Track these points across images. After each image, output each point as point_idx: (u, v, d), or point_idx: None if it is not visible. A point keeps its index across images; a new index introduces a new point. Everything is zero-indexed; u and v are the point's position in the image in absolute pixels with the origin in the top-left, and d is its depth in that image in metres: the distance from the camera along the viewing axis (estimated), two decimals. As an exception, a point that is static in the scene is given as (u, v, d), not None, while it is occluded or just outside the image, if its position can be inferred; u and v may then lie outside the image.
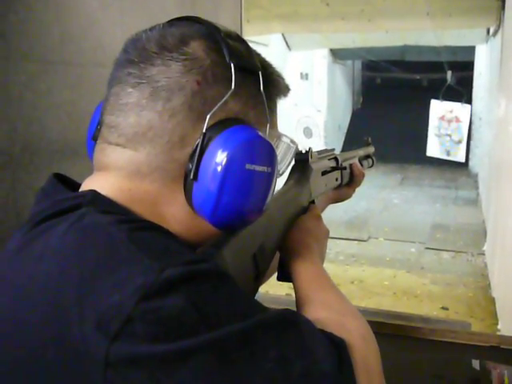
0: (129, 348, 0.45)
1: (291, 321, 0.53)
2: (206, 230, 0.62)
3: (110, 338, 0.45)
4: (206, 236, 0.63)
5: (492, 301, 4.72)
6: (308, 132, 9.66)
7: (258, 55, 0.66)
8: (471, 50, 10.43)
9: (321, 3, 6.74)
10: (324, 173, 0.97)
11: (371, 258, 6.17)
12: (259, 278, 0.71)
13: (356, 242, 6.80)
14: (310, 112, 10.00)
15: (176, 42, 0.59)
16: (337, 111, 12.48)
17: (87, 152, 0.70)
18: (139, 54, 0.59)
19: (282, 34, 9.16)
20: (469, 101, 9.29)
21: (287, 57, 9.71)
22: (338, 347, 0.53)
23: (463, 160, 8.62)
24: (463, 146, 8.50)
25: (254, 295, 0.71)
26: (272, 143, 0.63)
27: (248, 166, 0.58)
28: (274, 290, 2.52)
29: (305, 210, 0.86)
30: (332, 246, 6.23)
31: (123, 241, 0.50)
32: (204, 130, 0.58)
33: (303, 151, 0.89)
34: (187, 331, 0.46)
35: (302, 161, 0.89)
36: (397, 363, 1.25)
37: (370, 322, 1.33)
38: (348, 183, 1.11)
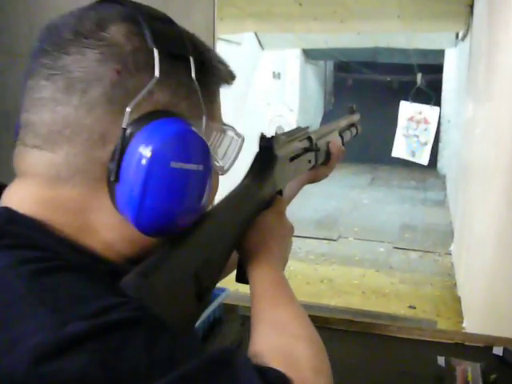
0: None
1: (223, 364, 0.47)
2: (141, 239, 0.56)
3: None
4: (142, 245, 0.57)
5: (458, 300, 4.80)
6: (280, 131, 9.69)
7: (192, 39, 0.59)
8: (441, 53, 10.60)
9: (294, 3, 6.75)
10: (293, 158, 0.87)
11: (341, 258, 6.22)
12: (204, 295, 0.61)
13: (326, 241, 6.85)
14: (283, 111, 10.02)
15: (93, 27, 0.52)
16: (309, 111, 12.54)
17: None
18: (53, 41, 0.53)
19: (255, 33, 9.16)
20: (438, 103, 9.43)
21: (260, 56, 9.71)
22: None
23: (426, 163, 8.72)
24: (428, 148, 8.62)
25: (199, 315, 0.63)
26: (203, 137, 0.56)
27: (173, 164, 0.52)
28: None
29: (267, 205, 0.77)
30: (302, 245, 6.27)
31: (21, 291, 0.44)
32: (124, 126, 0.51)
33: (268, 136, 0.80)
34: None
35: (266, 148, 0.79)
36: (364, 360, 1.27)
37: (339, 320, 1.34)
38: (325, 162, 1.02)
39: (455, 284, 5.30)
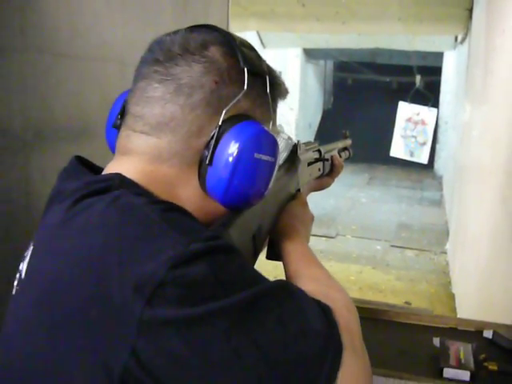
0: (160, 310, 0.53)
1: (287, 288, 0.61)
2: (214, 211, 0.71)
3: (145, 300, 0.52)
4: (213, 216, 0.71)
5: (452, 297, 4.93)
6: (280, 129, 9.79)
7: (265, 62, 0.75)
8: (440, 55, 10.71)
9: (297, 3, 6.87)
10: (309, 164, 1.05)
11: (338, 255, 6.34)
12: (256, 255, 0.80)
13: (324, 238, 6.97)
14: (282, 110, 10.11)
15: (198, 46, 0.68)
16: (308, 110, 12.65)
17: (106, 138, 0.78)
18: (164, 54, 0.67)
19: (257, 32, 9.26)
20: (436, 105, 9.56)
21: (261, 54, 9.80)
22: (326, 311, 0.61)
23: (426, 162, 8.85)
24: (427, 148, 8.73)
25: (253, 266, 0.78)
26: (275, 136, 0.72)
27: (256, 155, 0.68)
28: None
29: (293, 197, 0.95)
30: (301, 242, 6.36)
31: (156, 219, 0.58)
32: (220, 123, 0.66)
33: (292, 143, 0.97)
34: (208, 295, 0.54)
35: (292, 152, 0.97)
36: (366, 342, 1.38)
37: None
38: (328, 173, 1.20)
39: (450, 281, 5.43)
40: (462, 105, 6.25)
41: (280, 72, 10.88)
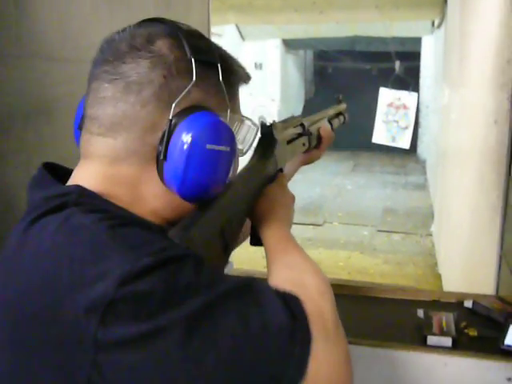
0: (114, 329, 0.53)
1: (248, 286, 0.61)
2: (181, 206, 0.71)
3: (98, 321, 0.53)
4: (180, 210, 0.71)
5: (439, 277, 5.04)
6: (263, 120, 9.84)
7: (218, 48, 0.73)
8: (418, 40, 10.78)
9: (274, -5, 6.93)
10: (289, 141, 1.01)
11: (326, 242, 6.44)
12: (228, 248, 0.77)
13: (312, 226, 7.06)
14: (265, 101, 10.17)
15: (143, 42, 0.67)
16: (290, 100, 12.70)
17: (75, 140, 0.79)
18: (113, 53, 0.67)
19: (236, 25, 9.29)
20: (416, 89, 9.64)
21: (241, 47, 9.84)
22: (290, 304, 0.61)
23: (408, 147, 8.90)
24: (409, 132, 8.80)
25: (226, 263, 0.78)
26: (230, 126, 0.71)
27: (209, 146, 0.67)
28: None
29: (272, 179, 0.92)
30: (289, 231, 6.43)
31: (103, 239, 0.59)
32: (170, 117, 0.66)
33: (268, 124, 0.94)
34: (162, 307, 0.54)
35: (266, 134, 0.93)
36: (355, 317, 1.46)
37: (331, 285, 1.54)
38: (317, 145, 1.16)
39: (436, 263, 5.55)
40: (441, 89, 6.35)
41: (260, 64, 10.93)
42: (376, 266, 5.64)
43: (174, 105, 0.66)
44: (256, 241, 0.86)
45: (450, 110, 5.06)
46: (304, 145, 1.09)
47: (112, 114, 0.67)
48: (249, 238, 0.91)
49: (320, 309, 0.63)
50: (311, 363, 0.58)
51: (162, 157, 0.67)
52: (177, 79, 0.67)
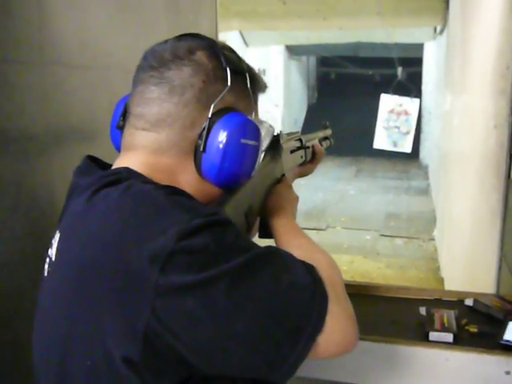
0: (172, 276, 0.63)
1: (277, 252, 0.73)
2: (210, 193, 0.82)
3: (159, 269, 0.63)
4: (210, 197, 0.82)
5: (441, 281, 5.08)
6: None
7: (245, 61, 0.86)
8: (420, 47, 10.82)
9: (278, 2, 6.97)
10: (292, 151, 1.16)
11: (330, 246, 6.45)
12: (249, 231, 0.91)
13: (315, 231, 7.08)
14: (268, 107, 10.23)
15: (185, 52, 0.78)
16: (293, 106, 12.75)
17: (111, 138, 0.88)
18: (158, 61, 0.78)
19: (240, 32, 9.36)
20: (418, 95, 9.68)
21: (245, 53, 9.88)
22: (310, 269, 0.72)
23: (409, 151, 8.94)
24: (410, 137, 8.84)
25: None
26: (257, 124, 0.83)
27: (242, 141, 0.79)
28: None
29: (278, 181, 1.06)
30: (292, 236, 6.47)
31: (163, 201, 0.69)
32: (209, 116, 0.78)
33: (275, 133, 1.06)
34: (211, 261, 0.65)
35: (275, 141, 1.07)
36: (359, 315, 1.51)
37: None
38: (311, 160, 1.30)
39: (438, 267, 5.58)
40: (443, 94, 6.38)
41: (264, 70, 10.99)
42: (379, 270, 5.68)
43: (212, 106, 0.77)
44: (265, 233, 0.97)
45: (451, 115, 5.10)
46: (302, 157, 1.22)
47: (157, 112, 0.77)
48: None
49: (331, 277, 0.74)
50: (328, 318, 0.69)
51: (201, 149, 0.77)
52: (214, 84, 0.78)
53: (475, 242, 2.95)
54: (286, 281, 0.68)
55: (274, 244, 0.92)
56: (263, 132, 0.91)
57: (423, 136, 11.29)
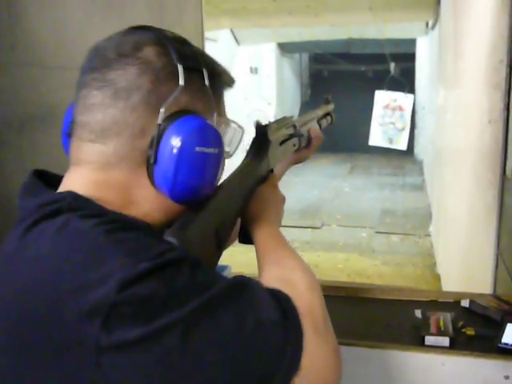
0: (117, 332, 0.55)
1: (242, 285, 0.63)
2: (173, 209, 0.72)
3: (100, 325, 0.55)
4: (173, 212, 0.73)
5: (437, 277, 5.06)
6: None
7: (202, 55, 0.75)
8: (412, 42, 10.85)
9: (268, -1, 6.94)
10: (283, 142, 1.03)
11: (325, 244, 6.46)
12: (221, 246, 0.80)
13: (310, 229, 7.08)
14: (260, 105, 10.20)
15: (131, 49, 0.68)
16: (286, 103, 12.74)
17: (63, 148, 0.78)
18: (101, 60, 0.68)
19: (231, 30, 9.32)
20: (411, 91, 9.68)
21: (236, 51, 9.86)
22: (282, 301, 0.64)
23: (405, 148, 8.95)
24: (406, 133, 8.84)
25: (218, 260, 0.81)
26: (217, 129, 0.73)
27: (197, 149, 0.69)
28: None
29: (263, 180, 0.94)
30: (286, 234, 6.27)
31: (102, 244, 0.60)
32: (159, 122, 0.67)
33: (263, 124, 0.96)
34: (162, 308, 0.56)
35: (261, 134, 0.95)
36: (352, 318, 1.47)
37: (328, 287, 1.54)
38: (306, 145, 1.17)
39: (435, 263, 5.57)
40: (436, 89, 6.37)
41: (256, 68, 10.96)
42: (375, 267, 5.65)
43: (162, 109, 0.68)
44: (245, 239, 0.87)
45: (445, 110, 5.08)
46: (294, 145, 1.11)
47: (102, 120, 0.68)
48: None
49: (310, 305, 0.66)
50: (304, 357, 0.61)
51: (152, 161, 0.68)
52: (164, 85, 0.69)
53: (471, 239, 2.93)
54: (252, 320, 0.60)
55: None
56: (229, 134, 0.83)
57: (417, 131, 11.30)
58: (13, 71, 1.12)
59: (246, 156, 0.94)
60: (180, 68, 0.69)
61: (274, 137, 0.99)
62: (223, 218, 0.80)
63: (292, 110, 13.51)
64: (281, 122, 1.05)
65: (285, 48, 12.05)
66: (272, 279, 0.70)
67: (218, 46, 8.71)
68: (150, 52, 0.69)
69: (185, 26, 1.95)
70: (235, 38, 9.66)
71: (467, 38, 3.57)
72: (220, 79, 0.77)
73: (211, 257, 0.77)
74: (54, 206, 0.65)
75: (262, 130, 0.95)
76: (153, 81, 0.68)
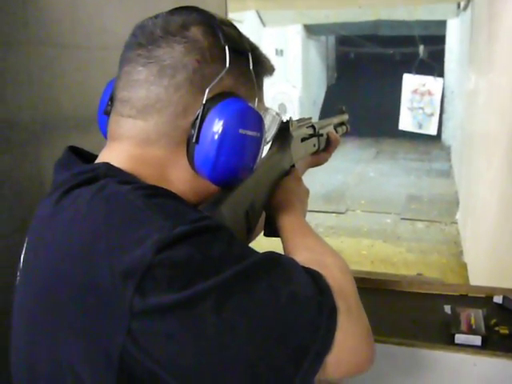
0: (151, 295, 0.54)
1: (276, 259, 0.62)
2: (206, 189, 0.72)
3: (135, 286, 0.54)
4: (205, 194, 0.73)
5: (464, 266, 4.95)
6: (282, 108, 9.75)
7: (247, 39, 0.74)
8: (443, 24, 10.57)
9: (295, -21, 6.80)
10: (303, 139, 1.05)
11: (349, 230, 6.38)
12: (250, 232, 0.80)
13: (334, 214, 7.00)
14: (285, 88, 10.08)
15: (178, 28, 0.68)
16: (312, 87, 12.57)
17: (99, 126, 0.78)
18: (147, 37, 0.68)
19: (257, 11, 9.19)
20: (441, 74, 9.46)
21: (262, 33, 9.74)
22: (316, 278, 0.63)
23: (435, 133, 8.78)
24: (435, 119, 8.67)
25: (247, 243, 0.81)
26: (259, 112, 0.72)
27: (241, 131, 0.68)
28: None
29: (287, 173, 0.95)
30: (310, 219, 6.36)
31: (140, 206, 0.59)
32: (204, 102, 0.67)
33: (284, 121, 0.95)
34: (196, 275, 0.55)
35: (284, 129, 0.95)
36: (379, 312, 1.41)
37: (354, 278, 1.47)
38: (325, 148, 1.19)
39: (461, 251, 5.45)
40: (467, 73, 6.20)
41: (281, 50, 10.82)
42: (399, 254, 5.56)
43: (207, 90, 0.67)
44: (271, 232, 0.86)
45: (476, 94, 4.93)
46: (314, 145, 1.12)
47: (145, 96, 0.67)
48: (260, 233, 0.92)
49: (342, 286, 0.65)
50: (337, 335, 0.60)
51: (194, 140, 0.67)
52: (210, 65, 0.68)
53: (502, 228, 2.83)
54: (287, 293, 0.59)
55: (280, 244, 0.81)
56: (268, 121, 0.82)
57: (446, 116, 11.06)
58: (25, 50, 1.07)
59: (271, 148, 0.94)
60: (227, 49, 0.68)
61: (296, 133, 1.01)
62: (253, 202, 0.81)
63: (318, 93, 13.34)
64: (300, 121, 1.06)
65: (311, 30, 11.85)
66: (304, 261, 0.67)
67: (244, 27, 8.58)
68: (197, 31, 0.68)
69: (208, 5, 1.88)
70: (261, 19, 9.53)
71: (503, 18, 3.44)
72: (263, 66, 0.77)
73: (242, 237, 0.76)
74: (89, 174, 0.65)
75: (284, 125, 0.95)
76: (199, 60, 0.67)
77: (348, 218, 6.96)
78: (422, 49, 10.36)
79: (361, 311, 0.65)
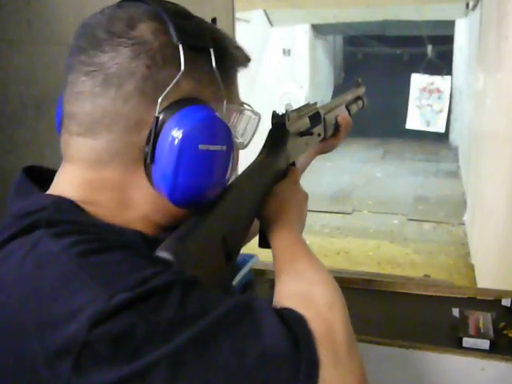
0: (90, 374, 0.47)
1: (246, 307, 0.53)
2: (174, 211, 0.63)
3: (70, 365, 0.47)
4: (173, 215, 0.64)
5: (471, 267, 4.92)
6: (289, 108, 9.73)
7: (211, 30, 0.65)
8: (451, 24, 10.50)
9: (303, -21, 6.78)
10: (303, 133, 0.93)
11: (356, 230, 6.35)
12: (231, 256, 0.68)
13: (340, 214, 6.97)
14: (293, 88, 10.05)
15: (123, 27, 0.58)
16: (319, 86, 12.53)
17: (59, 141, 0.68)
18: (89, 40, 0.59)
19: (264, 10, 9.16)
20: (449, 74, 9.41)
21: (269, 33, 9.72)
22: (294, 325, 0.53)
23: (443, 130, 8.71)
24: (444, 115, 8.61)
25: (228, 273, 0.71)
26: (227, 119, 0.64)
27: (201, 147, 0.59)
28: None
29: (283, 175, 0.84)
30: (317, 220, 6.39)
31: (74, 270, 0.51)
32: (156, 114, 0.58)
33: (280, 114, 0.86)
34: (143, 347, 0.48)
35: (278, 125, 0.85)
36: (384, 314, 1.39)
37: (358, 280, 1.45)
38: (334, 133, 1.08)
39: (468, 252, 5.41)
40: (475, 73, 6.16)
41: (289, 50, 10.79)
42: (406, 255, 5.53)
43: (160, 99, 0.58)
44: (264, 244, 0.78)
45: (485, 94, 4.89)
46: (319, 135, 1.01)
47: (90, 111, 0.59)
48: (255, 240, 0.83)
49: (329, 327, 0.55)
50: None
51: (149, 159, 0.59)
52: (163, 69, 0.59)
53: (510, 230, 2.80)
54: (254, 353, 0.50)
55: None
56: (243, 123, 0.71)
57: (453, 116, 10.99)
58: (29, 49, 1.06)
59: (262, 150, 0.83)
60: (181, 48, 0.59)
61: (294, 127, 0.89)
62: (232, 223, 0.69)
63: (325, 92, 13.29)
64: (302, 110, 0.94)
65: (318, 30, 11.80)
66: (288, 294, 0.61)
67: (251, 26, 8.57)
68: (145, 30, 0.59)
69: (215, 5, 1.87)
70: (268, 18, 9.50)
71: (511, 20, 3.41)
72: (232, 59, 0.67)
73: (218, 271, 0.66)
74: (33, 217, 0.57)
75: (278, 120, 0.85)
76: (148, 65, 0.58)
77: (354, 218, 6.93)
78: (430, 49, 10.31)
79: (352, 356, 0.55)
